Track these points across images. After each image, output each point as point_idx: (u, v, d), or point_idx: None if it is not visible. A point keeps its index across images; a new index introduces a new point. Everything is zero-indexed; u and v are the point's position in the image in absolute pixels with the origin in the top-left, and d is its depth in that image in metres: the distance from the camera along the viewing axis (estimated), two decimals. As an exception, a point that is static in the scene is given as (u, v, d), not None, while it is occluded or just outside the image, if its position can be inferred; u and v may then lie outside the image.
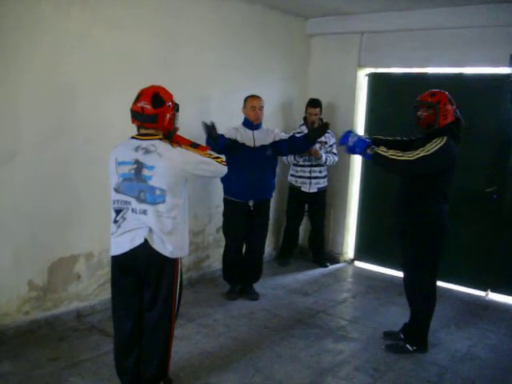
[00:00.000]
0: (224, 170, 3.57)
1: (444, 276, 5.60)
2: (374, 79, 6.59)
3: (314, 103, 6.31)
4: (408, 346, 4.46)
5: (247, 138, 5.16)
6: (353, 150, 4.35)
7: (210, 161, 3.44)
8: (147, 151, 3.30)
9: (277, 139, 5.23)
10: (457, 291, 5.95)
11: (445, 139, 4.11)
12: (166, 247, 3.35)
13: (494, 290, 5.86)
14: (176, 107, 3.43)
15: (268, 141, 5.19)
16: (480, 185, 5.82)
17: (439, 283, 5.24)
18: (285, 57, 6.61)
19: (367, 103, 6.68)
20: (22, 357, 4.07)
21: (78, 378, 3.82)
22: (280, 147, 5.23)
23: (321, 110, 6.34)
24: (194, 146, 3.55)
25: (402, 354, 4.40)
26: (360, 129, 6.73)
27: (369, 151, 4.23)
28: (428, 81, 6.12)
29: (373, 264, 6.77)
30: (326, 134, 6.38)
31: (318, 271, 6.58)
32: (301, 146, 5.26)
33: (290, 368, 4.12)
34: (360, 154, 4.33)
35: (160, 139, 3.36)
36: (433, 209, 4.26)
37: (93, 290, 4.93)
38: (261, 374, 4.01)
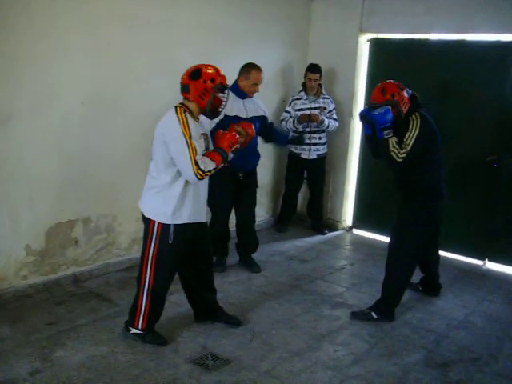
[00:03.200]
0: (191, 178, 3.52)
1: (442, 244, 5.61)
2: (376, 45, 6.48)
3: (313, 68, 6.22)
4: (373, 313, 4.42)
5: (238, 108, 4.96)
6: (371, 120, 4.18)
7: (186, 160, 3.46)
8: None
9: (260, 113, 5.12)
10: (455, 260, 5.96)
11: (417, 122, 4.12)
12: (143, 203, 3.76)
13: (491, 259, 5.86)
14: (217, 87, 3.58)
15: (259, 112, 5.09)
16: (480, 154, 5.77)
17: (441, 253, 5.25)
18: (284, 22, 6.47)
19: (368, 69, 6.58)
20: (19, 321, 4.08)
21: (75, 342, 3.83)
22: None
23: (320, 76, 6.25)
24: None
25: (366, 321, 4.38)
26: (361, 95, 6.65)
27: (385, 134, 4.13)
28: (430, 47, 6.05)
29: (371, 232, 6.76)
30: (325, 100, 6.32)
31: (316, 238, 6.58)
32: (277, 140, 5.40)
33: (287, 333, 4.14)
34: (377, 128, 4.15)
35: (176, 106, 3.59)
36: (427, 178, 4.28)
37: (90, 255, 4.92)
38: (258, 338, 4.03)
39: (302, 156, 6.39)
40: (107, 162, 4.85)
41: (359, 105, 6.68)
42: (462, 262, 5.93)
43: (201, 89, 3.54)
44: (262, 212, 6.44)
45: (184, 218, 3.66)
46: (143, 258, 3.74)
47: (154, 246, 3.68)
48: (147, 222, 3.71)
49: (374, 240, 6.60)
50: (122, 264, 5.16)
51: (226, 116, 4.70)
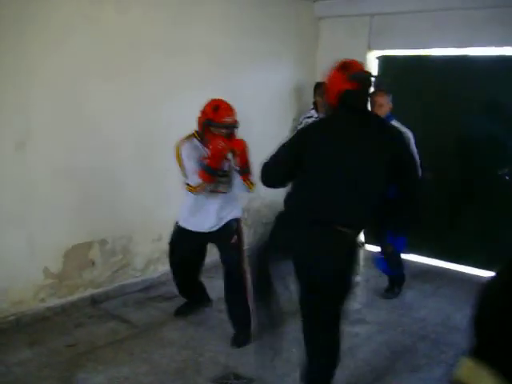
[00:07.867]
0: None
1: (457, 258, 5.60)
2: (385, 62, 6.51)
3: (320, 86, 6.26)
4: None
5: None
6: None
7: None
8: None
9: None
10: (469, 274, 5.91)
11: None
12: None
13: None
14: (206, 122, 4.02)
15: None
16: (492, 167, 5.76)
17: (453, 266, 5.17)
18: (293, 40, 6.52)
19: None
20: (39, 343, 4.08)
21: (95, 363, 3.83)
22: None
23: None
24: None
25: None
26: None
27: None
28: (435, 63, 6.10)
29: (384, 248, 6.71)
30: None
31: (330, 255, 6.53)
32: None
33: (307, 351, 4.12)
34: None
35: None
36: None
37: (107, 276, 4.93)
38: (279, 357, 4.00)
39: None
40: (122, 184, 4.87)
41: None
42: (477, 275, 5.85)
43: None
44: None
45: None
46: None
47: None
48: None
49: (388, 256, 6.56)
50: (138, 285, 5.16)
51: None
